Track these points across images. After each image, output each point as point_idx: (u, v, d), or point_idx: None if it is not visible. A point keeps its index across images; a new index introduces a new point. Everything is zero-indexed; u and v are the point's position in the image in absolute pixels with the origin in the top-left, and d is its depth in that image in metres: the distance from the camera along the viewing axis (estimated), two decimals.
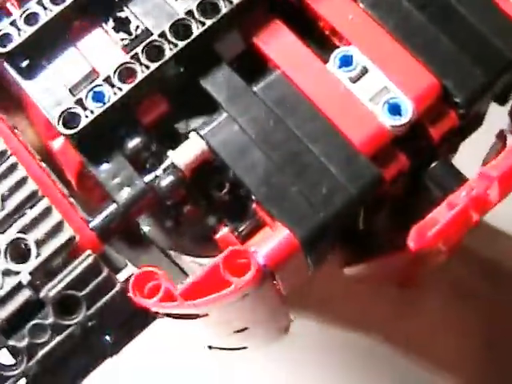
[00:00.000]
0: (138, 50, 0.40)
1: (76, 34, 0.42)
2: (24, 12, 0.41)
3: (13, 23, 0.41)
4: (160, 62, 0.40)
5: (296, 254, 0.38)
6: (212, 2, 0.40)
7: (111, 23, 0.42)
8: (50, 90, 0.41)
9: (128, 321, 0.38)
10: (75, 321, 0.36)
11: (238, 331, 0.43)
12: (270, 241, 0.38)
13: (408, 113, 0.39)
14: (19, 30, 0.41)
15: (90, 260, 0.37)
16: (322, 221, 0.38)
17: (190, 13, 0.40)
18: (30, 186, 0.38)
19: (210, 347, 0.49)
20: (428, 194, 0.42)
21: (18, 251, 0.37)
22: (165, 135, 0.41)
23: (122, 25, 0.42)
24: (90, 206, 0.41)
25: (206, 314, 0.38)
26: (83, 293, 0.37)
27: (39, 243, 0.37)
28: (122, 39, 0.42)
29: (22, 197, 0.37)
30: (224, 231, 0.41)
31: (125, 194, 0.39)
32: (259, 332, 0.46)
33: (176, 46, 0.40)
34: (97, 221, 0.40)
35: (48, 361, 0.37)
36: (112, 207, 0.40)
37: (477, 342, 0.56)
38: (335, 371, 0.60)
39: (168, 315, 0.38)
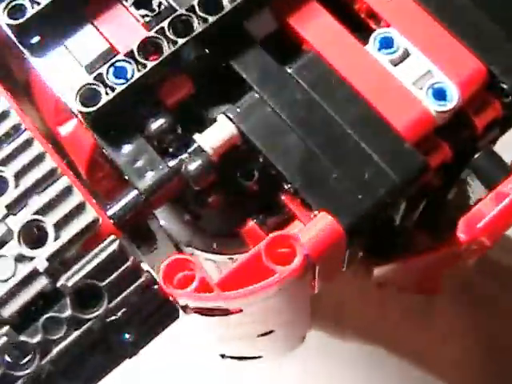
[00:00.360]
0: (164, 24, 0.37)
1: (93, 10, 0.39)
2: None
3: None
4: (188, 37, 0.37)
5: (340, 243, 0.35)
6: None
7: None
8: (63, 68, 0.38)
9: (151, 317, 0.34)
10: (95, 314, 0.32)
11: (262, 335, 0.39)
12: (313, 228, 0.34)
13: (454, 98, 0.37)
14: (33, 1, 0.37)
15: (114, 246, 0.33)
16: (366, 208, 0.35)
17: None
18: (48, 164, 0.34)
19: (222, 356, 0.45)
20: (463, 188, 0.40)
21: (33, 235, 0.33)
22: (190, 118, 0.37)
23: (144, 1, 0.39)
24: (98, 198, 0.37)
25: (239, 311, 0.34)
26: (105, 283, 0.33)
27: (58, 226, 0.33)
28: (144, 16, 0.39)
29: (40, 175, 0.33)
30: (251, 224, 0.38)
31: (147, 180, 0.36)
32: (281, 337, 0.42)
33: (206, 21, 0.37)
34: (115, 208, 0.36)
35: (63, 359, 0.32)
36: (132, 194, 0.36)
37: (486, 348, 0.53)
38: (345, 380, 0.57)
39: (197, 310, 0.35)
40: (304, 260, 0.32)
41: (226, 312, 0.34)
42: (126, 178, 0.36)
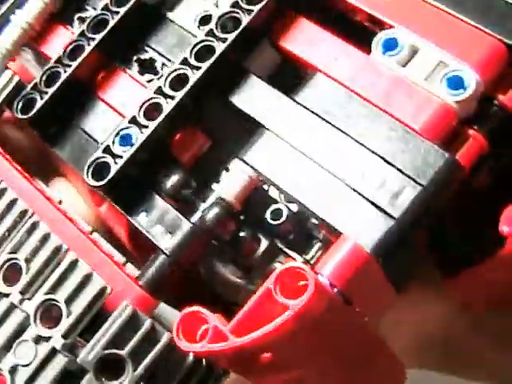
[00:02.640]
0: (161, 82, 0.36)
1: (101, 85, 0.39)
2: (44, 73, 0.39)
3: (34, 87, 0.39)
4: (185, 90, 0.36)
5: (367, 267, 0.32)
6: (232, 17, 0.36)
7: (135, 67, 0.39)
8: (84, 150, 0.38)
9: (187, 379, 0.33)
10: None
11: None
12: (335, 256, 0.32)
13: (472, 83, 0.33)
14: (41, 92, 0.38)
15: (128, 312, 0.32)
16: (393, 224, 0.32)
17: (210, 32, 0.36)
18: (53, 242, 0.34)
19: None
20: None
21: (50, 314, 0.33)
22: (205, 169, 0.36)
23: (147, 66, 0.39)
24: None
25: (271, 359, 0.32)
26: (126, 350, 0.32)
27: (69, 301, 0.32)
28: (149, 81, 0.38)
29: (46, 255, 0.33)
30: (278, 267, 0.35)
31: (172, 241, 0.35)
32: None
33: (199, 69, 0.36)
34: (146, 277, 0.35)
35: None
36: (160, 258, 0.35)
37: None
38: None
39: (236, 369, 0.33)
40: (319, 290, 0.30)
41: (256, 361, 0.32)
42: (152, 242, 0.35)
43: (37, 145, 0.41)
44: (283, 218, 0.35)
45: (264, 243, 0.36)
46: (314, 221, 0.35)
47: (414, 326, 0.41)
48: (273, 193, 0.36)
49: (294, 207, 0.35)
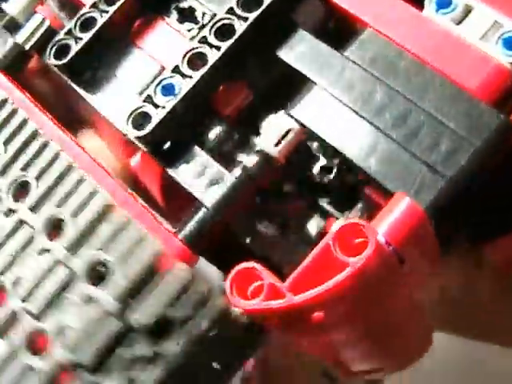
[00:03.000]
0: (205, 32, 0.35)
1: (138, 33, 0.38)
2: (79, 18, 0.37)
3: (69, 32, 0.37)
4: (231, 40, 0.35)
5: (422, 226, 0.31)
6: None
7: (174, 15, 0.38)
8: (120, 99, 0.37)
9: (238, 341, 0.32)
10: (174, 349, 0.30)
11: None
12: (390, 214, 0.31)
13: None
14: (76, 38, 0.37)
15: (184, 275, 0.31)
16: (448, 183, 0.32)
17: None
18: (102, 198, 0.32)
19: (325, 374, 0.41)
20: None
21: (98, 273, 0.32)
22: (249, 122, 0.35)
23: (187, 15, 0.38)
24: None
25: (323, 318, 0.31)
26: (180, 315, 0.31)
27: (121, 262, 0.31)
28: (189, 30, 0.37)
29: (94, 211, 0.32)
30: (337, 224, 0.35)
31: (214, 195, 0.34)
32: (397, 343, 0.38)
33: (246, 19, 0.35)
34: (186, 231, 0.34)
35: None
36: (201, 212, 0.34)
37: None
38: None
39: (285, 327, 0.32)
40: (378, 246, 0.29)
41: (320, 327, 0.31)
42: (193, 196, 0.34)
43: (63, 95, 0.40)
44: (332, 175, 0.34)
45: (305, 200, 0.35)
46: (357, 180, 0.34)
47: (442, 279, 0.41)
48: (317, 150, 0.35)
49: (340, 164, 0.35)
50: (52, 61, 0.37)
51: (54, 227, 0.32)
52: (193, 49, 0.35)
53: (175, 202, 0.38)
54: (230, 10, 0.35)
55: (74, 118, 0.41)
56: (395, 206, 0.31)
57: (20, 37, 0.38)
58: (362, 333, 0.34)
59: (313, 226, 0.36)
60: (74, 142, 0.36)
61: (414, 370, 0.41)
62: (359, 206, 0.35)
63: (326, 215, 0.35)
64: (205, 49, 0.35)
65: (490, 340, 0.48)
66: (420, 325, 0.38)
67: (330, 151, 0.34)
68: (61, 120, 0.38)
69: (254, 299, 0.30)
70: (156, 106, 0.35)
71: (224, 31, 0.35)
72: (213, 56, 0.35)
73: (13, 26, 0.39)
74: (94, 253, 0.31)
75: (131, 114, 0.35)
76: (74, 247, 0.32)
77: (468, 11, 0.34)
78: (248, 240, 0.37)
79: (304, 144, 0.35)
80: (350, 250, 0.30)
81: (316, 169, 0.35)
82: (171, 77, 0.35)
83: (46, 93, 0.41)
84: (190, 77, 0.35)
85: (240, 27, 0.35)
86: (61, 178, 0.33)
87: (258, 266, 0.30)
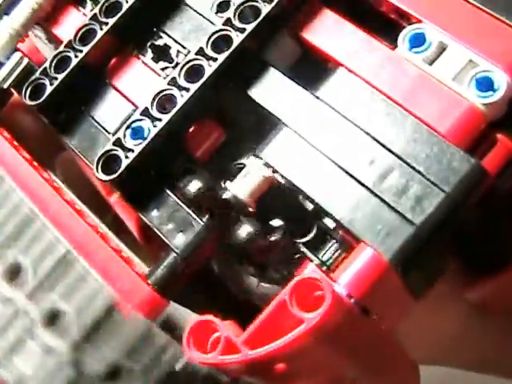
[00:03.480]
0: (175, 73, 0.35)
1: (113, 72, 0.37)
2: (54, 58, 0.37)
3: (44, 72, 0.37)
4: (201, 82, 0.34)
5: (386, 277, 0.30)
6: (251, 5, 0.35)
7: (150, 54, 0.37)
8: (94, 140, 0.37)
9: None
10: None
11: None
12: (353, 266, 0.30)
13: (502, 85, 0.32)
14: (51, 78, 0.37)
15: (140, 326, 0.31)
16: (415, 232, 0.31)
17: (227, 21, 0.35)
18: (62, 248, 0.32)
19: None
20: None
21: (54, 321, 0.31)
22: (219, 166, 0.35)
23: (162, 53, 0.37)
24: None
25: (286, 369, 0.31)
26: (133, 364, 0.30)
27: (79, 311, 0.31)
28: (163, 68, 0.37)
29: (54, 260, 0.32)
30: (310, 267, 0.34)
31: (183, 240, 0.34)
32: None
33: (215, 60, 0.34)
34: (156, 275, 0.34)
35: None
36: (171, 257, 0.34)
37: None
38: None
39: (251, 377, 0.32)
40: (336, 302, 0.28)
41: (269, 371, 0.30)
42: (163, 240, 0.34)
43: (47, 129, 0.40)
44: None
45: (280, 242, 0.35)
46: (331, 222, 0.34)
47: (436, 328, 0.40)
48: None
49: (311, 207, 0.34)
50: (27, 101, 0.37)
51: (15, 274, 0.32)
52: (162, 91, 0.35)
53: (153, 242, 0.38)
54: (200, 51, 0.35)
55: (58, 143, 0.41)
56: (358, 257, 0.31)
57: None
58: (337, 378, 0.34)
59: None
60: (46, 181, 0.36)
61: None
62: (333, 247, 0.34)
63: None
64: (174, 91, 0.34)
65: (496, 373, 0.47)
66: (403, 366, 0.37)
67: (303, 196, 0.33)
68: (44, 146, 0.38)
69: (212, 353, 0.30)
70: (125, 150, 0.34)
71: (193, 72, 0.35)
72: (182, 98, 0.34)
73: None
74: (52, 301, 0.31)
75: (100, 157, 0.35)
76: (34, 295, 0.32)
77: (442, 49, 0.33)
78: (228, 283, 0.37)
79: (276, 188, 0.34)
80: (307, 304, 0.29)
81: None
82: (140, 120, 0.35)
83: (29, 124, 0.41)
84: (159, 120, 0.34)
85: (209, 68, 0.34)
86: (23, 226, 0.33)
87: (215, 319, 0.30)
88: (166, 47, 0.37)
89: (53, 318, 0.31)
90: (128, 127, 0.35)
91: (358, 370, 0.33)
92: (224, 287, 0.36)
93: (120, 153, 0.34)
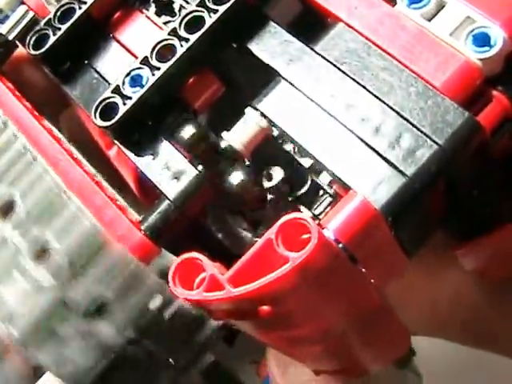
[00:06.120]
0: (176, 24, 0.35)
1: (116, 25, 0.38)
2: (58, 9, 0.37)
3: (48, 23, 0.37)
4: (200, 33, 0.34)
5: (375, 224, 0.30)
6: None
7: (153, 8, 0.38)
8: (95, 91, 0.37)
9: (194, 334, 0.32)
10: (111, 329, 0.30)
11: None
12: (341, 212, 0.31)
13: (498, 41, 0.32)
14: (54, 28, 0.37)
15: (123, 258, 0.31)
16: (406, 182, 0.31)
17: None
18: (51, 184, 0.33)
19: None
20: None
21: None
22: (217, 116, 0.35)
23: (165, 8, 0.37)
24: None
25: (271, 312, 0.31)
26: (116, 296, 0.31)
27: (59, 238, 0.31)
28: (166, 22, 0.37)
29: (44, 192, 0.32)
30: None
31: (177, 188, 0.34)
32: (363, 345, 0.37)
33: (216, 11, 0.35)
34: (149, 222, 0.34)
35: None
36: (164, 204, 0.34)
37: None
38: None
39: (236, 320, 0.32)
40: (322, 243, 0.28)
41: (254, 313, 0.30)
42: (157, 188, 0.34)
43: (51, 82, 0.40)
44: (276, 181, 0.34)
45: (271, 195, 0.35)
46: (325, 175, 0.34)
47: (431, 292, 0.40)
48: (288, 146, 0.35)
49: (307, 162, 0.34)
50: (31, 51, 0.37)
51: (7, 208, 0.32)
52: (162, 40, 0.35)
53: (149, 193, 0.38)
54: (201, 3, 0.35)
55: (63, 100, 0.41)
56: (347, 204, 0.31)
57: (4, 27, 0.39)
58: (321, 330, 0.33)
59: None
60: (46, 129, 0.36)
61: None
62: (327, 200, 0.34)
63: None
64: (174, 41, 0.35)
65: (492, 348, 0.47)
66: (390, 325, 0.37)
67: (297, 147, 0.34)
68: (49, 101, 0.39)
69: (196, 290, 0.30)
70: (123, 97, 0.35)
71: (194, 24, 0.35)
72: (181, 48, 0.35)
73: None
74: (38, 232, 0.31)
75: (99, 104, 0.35)
76: (22, 226, 0.32)
77: (441, 6, 0.33)
78: (221, 237, 0.37)
79: (270, 140, 0.34)
80: (294, 246, 0.29)
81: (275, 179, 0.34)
82: (140, 68, 0.35)
83: (35, 78, 0.41)
84: (158, 68, 0.35)
85: (209, 19, 0.35)
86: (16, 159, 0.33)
87: (201, 256, 0.30)
88: (170, 2, 0.37)
89: (42, 252, 0.31)
90: (127, 75, 0.35)
91: (345, 322, 0.33)
92: (215, 240, 0.36)
93: (118, 100, 0.35)
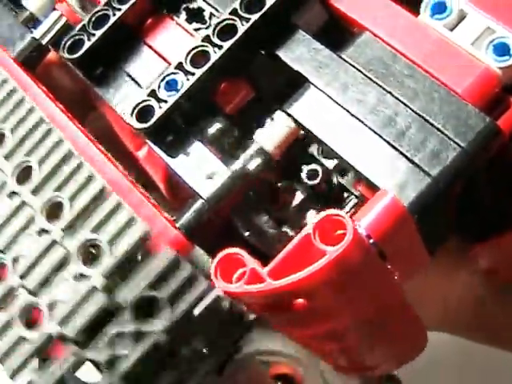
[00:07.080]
0: (209, 31, 0.37)
1: (148, 31, 0.39)
2: (93, 15, 0.39)
3: (82, 28, 0.39)
4: (233, 40, 0.36)
5: (404, 221, 0.32)
6: None
7: (184, 15, 0.39)
8: (127, 94, 0.39)
9: (226, 326, 0.34)
10: (159, 326, 0.32)
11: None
12: (372, 209, 0.32)
13: None
14: (89, 34, 0.39)
15: (169, 256, 0.32)
16: (431, 182, 0.33)
17: None
18: (98, 184, 0.34)
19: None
20: None
21: (89, 254, 0.33)
22: (248, 118, 0.37)
23: (195, 15, 0.39)
24: None
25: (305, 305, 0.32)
26: (165, 294, 0.32)
27: (111, 242, 0.33)
28: (197, 29, 0.39)
29: (90, 196, 0.34)
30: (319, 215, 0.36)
31: (210, 188, 0.35)
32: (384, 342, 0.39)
33: (248, 20, 0.36)
34: (183, 220, 0.36)
35: (131, 376, 0.32)
36: (198, 203, 0.36)
37: None
38: None
39: (270, 314, 0.33)
40: (357, 239, 0.30)
41: (289, 307, 0.32)
42: (191, 187, 0.36)
43: (80, 86, 0.42)
44: (318, 180, 0.36)
45: (299, 196, 0.37)
46: (351, 177, 0.36)
47: (443, 291, 0.42)
48: (312, 149, 0.36)
49: (331, 163, 0.36)
50: (65, 55, 0.39)
51: (53, 210, 0.33)
52: (196, 47, 0.37)
53: (178, 194, 0.39)
54: (234, 12, 0.37)
55: (89, 102, 0.43)
56: (378, 201, 0.32)
57: (38, 32, 0.40)
58: (348, 326, 0.35)
59: (310, 221, 0.37)
60: (81, 130, 0.37)
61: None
62: (352, 202, 0.36)
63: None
64: (207, 47, 0.37)
65: (495, 343, 0.49)
66: (411, 323, 0.39)
67: (325, 149, 0.35)
68: (77, 104, 0.40)
69: (237, 283, 0.31)
70: (159, 101, 0.36)
71: (226, 31, 0.37)
72: (215, 55, 0.36)
73: (32, 22, 0.41)
74: (87, 234, 0.33)
75: (135, 106, 0.37)
76: (70, 229, 0.33)
77: (462, 17, 0.35)
78: (247, 234, 0.39)
79: (300, 142, 0.36)
80: (329, 241, 0.31)
81: (304, 171, 0.36)
82: (175, 73, 0.37)
83: (64, 81, 0.43)
84: (193, 74, 0.36)
85: (242, 28, 0.36)
86: (61, 163, 0.34)
87: (242, 252, 0.32)
88: (200, 10, 0.39)
89: (87, 249, 0.33)
90: (163, 80, 0.37)
91: (369, 317, 0.35)
92: (241, 237, 0.38)
93: (154, 103, 0.36)
